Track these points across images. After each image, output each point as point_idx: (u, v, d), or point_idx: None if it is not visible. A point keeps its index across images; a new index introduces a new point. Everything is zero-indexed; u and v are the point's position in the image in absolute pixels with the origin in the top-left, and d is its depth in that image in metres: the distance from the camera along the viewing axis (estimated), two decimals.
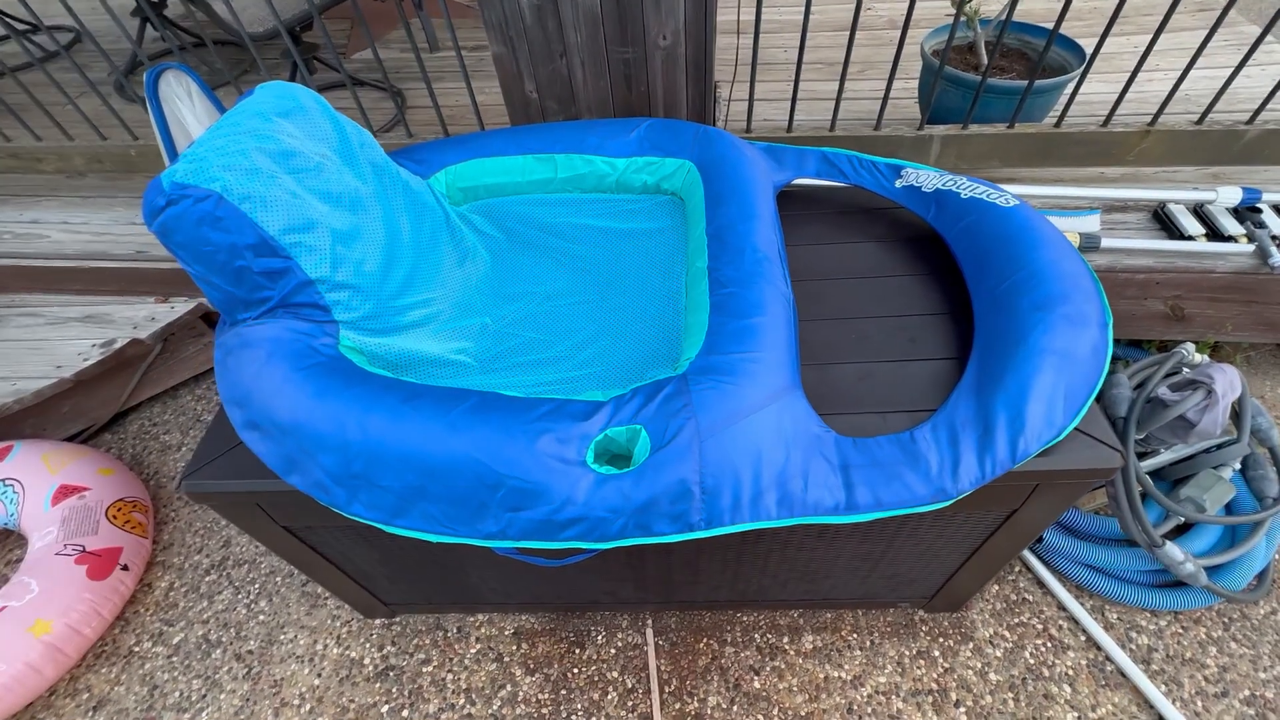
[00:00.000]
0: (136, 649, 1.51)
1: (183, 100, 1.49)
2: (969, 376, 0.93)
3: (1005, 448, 0.84)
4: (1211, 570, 1.36)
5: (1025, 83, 1.44)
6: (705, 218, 1.11)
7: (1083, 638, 1.39)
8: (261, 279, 0.89)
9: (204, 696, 1.42)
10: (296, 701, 1.40)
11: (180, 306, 1.89)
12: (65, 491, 1.57)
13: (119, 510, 1.60)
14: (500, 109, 1.54)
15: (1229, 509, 1.41)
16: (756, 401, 0.84)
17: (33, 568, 1.44)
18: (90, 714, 1.42)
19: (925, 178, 1.20)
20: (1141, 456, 1.43)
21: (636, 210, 1.30)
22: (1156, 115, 1.51)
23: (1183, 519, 1.37)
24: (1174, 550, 1.31)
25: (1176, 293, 1.55)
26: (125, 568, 1.53)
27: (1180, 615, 1.40)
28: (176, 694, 1.43)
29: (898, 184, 1.23)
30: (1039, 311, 0.92)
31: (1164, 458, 1.44)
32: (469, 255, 1.24)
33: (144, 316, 1.88)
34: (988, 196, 1.10)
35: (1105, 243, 1.52)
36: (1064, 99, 1.59)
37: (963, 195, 1.13)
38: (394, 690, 1.40)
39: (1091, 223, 1.58)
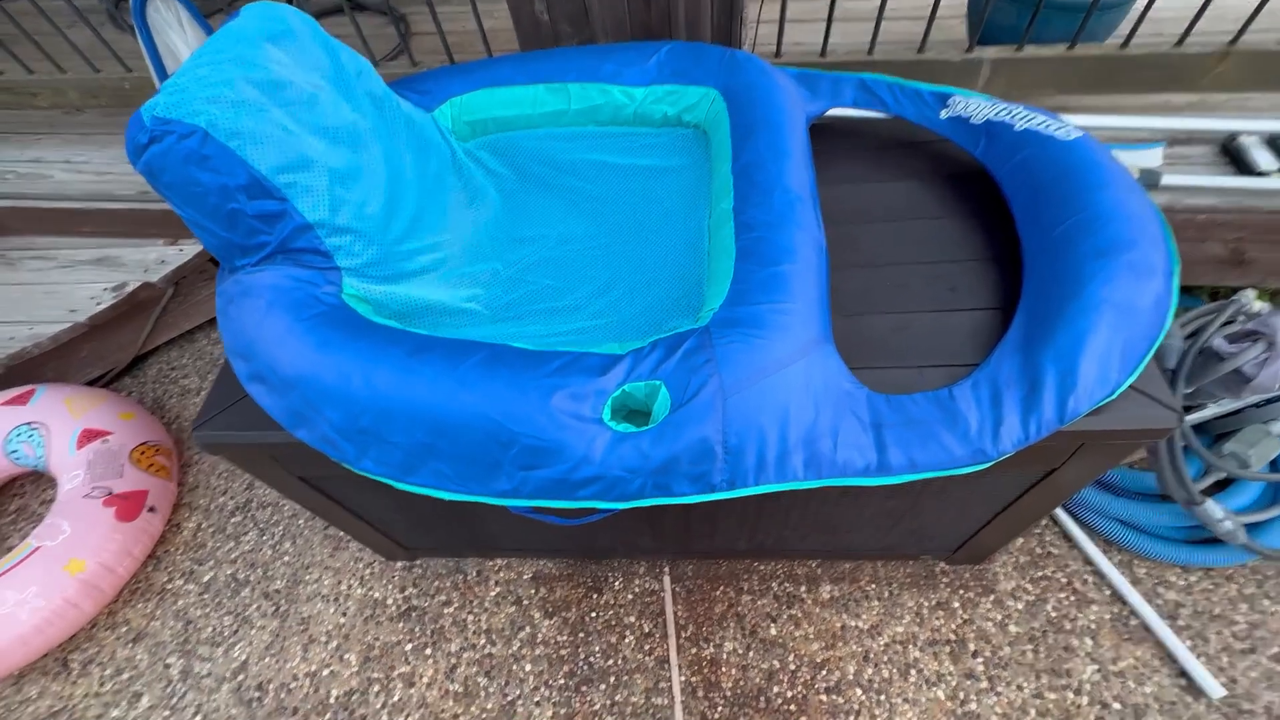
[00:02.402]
0: (169, 586, 1.56)
1: (174, 28, 1.39)
2: (1016, 330, 0.86)
3: (1053, 407, 0.79)
4: (1250, 528, 1.31)
5: None
6: (731, 154, 1.02)
7: (1107, 592, 1.36)
8: (257, 223, 0.83)
9: (235, 632, 1.47)
10: (324, 639, 1.44)
11: (189, 249, 1.85)
12: (89, 435, 1.59)
13: (142, 454, 1.61)
14: (509, 34, 1.42)
15: (1274, 465, 1.35)
16: (785, 356, 0.78)
17: (63, 509, 1.47)
18: (130, 646, 1.48)
19: (975, 107, 1.09)
20: (1187, 410, 1.36)
21: (656, 145, 1.20)
22: (1239, 33, 1.34)
23: (1223, 474, 1.31)
24: (1214, 507, 1.26)
25: (1239, 234, 1.43)
26: (152, 509, 1.56)
27: (1211, 571, 1.36)
28: (209, 629, 1.48)
29: (943, 114, 1.12)
30: (1100, 259, 0.84)
31: (1210, 411, 1.36)
32: (478, 196, 1.17)
33: (154, 259, 1.85)
34: (1045, 127, 0.99)
35: (1165, 179, 1.40)
36: (1131, 17, 1.42)
37: (1017, 127, 1.02)
38: (416, 630, 1.44)
39: (1153, 157, 1.45)
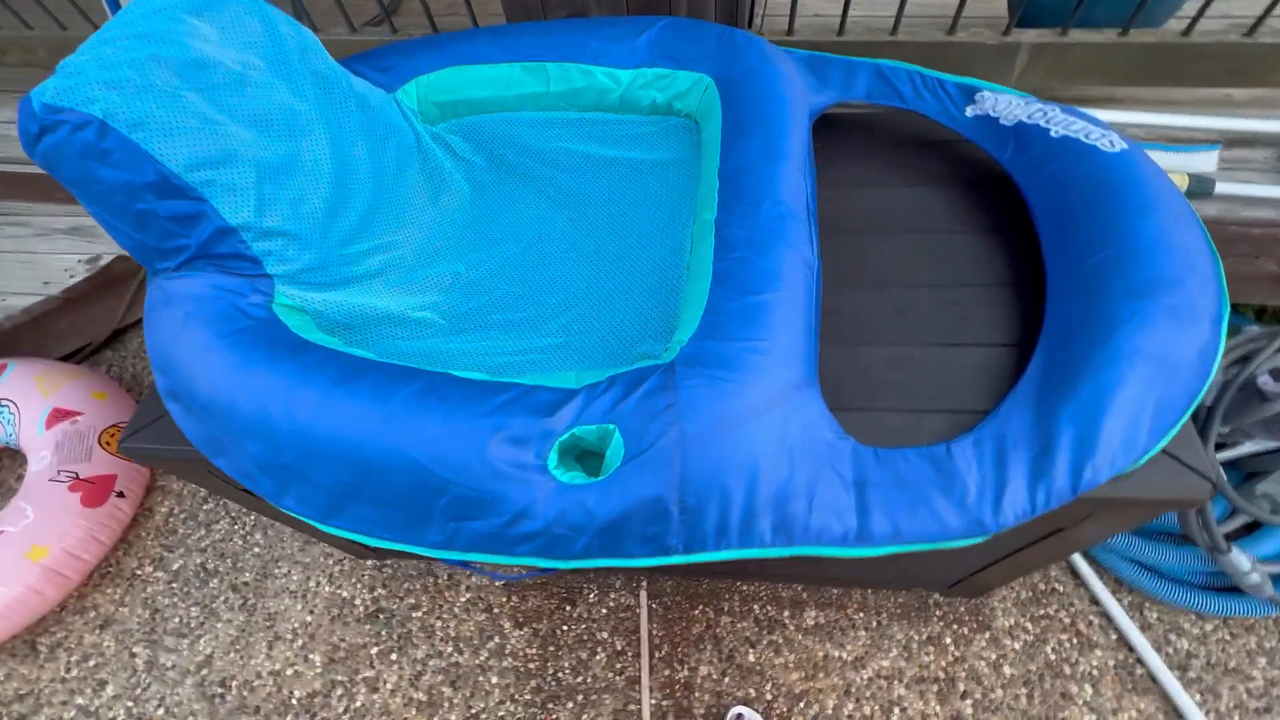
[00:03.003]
0: (139, 572, 1.53)
1: None
2: (1031, 375, 0.75)
3: (1066, 474, 0.68)
4: (1278, 579, 1.20)
5: None
6: (720, 153, 0.90)
7: (1114, 636, 1.27)
8: (171, 225, 0.74)
9: (202, 624, 1.44)
10: (289, 636, 1.41)
11: None
12: (58, 415, 1.54)
13: (113, 436, 1.57)
14: (493, 2, 1.29)
15: None
16: (758, 403, 0.68)
17: (29, 493, 1.43)
18: (98, 632, 1.46)
19: (1005, 105, 0.95)
20: (1219, 447, 1.24)
21: (643, 136, 1.08)
22: None
23: (1253, 519, 1.20)
24: (1240, 558, 1.15)
25: None
26: (121, 494, 1.52)
27: (1230, 621, 1.26)
28: (176, 619, 1.45)
29: (969, 111, 0.98)
30: (1136, 299, 0.72)
31: (1245, 449, 1.24)
32: (445, 185, 1.06)
33: None
34: (1086, 136, 0.86)
35: (1220, 187, 1.24)
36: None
37: (1053, 133, 0.88)
38: (383, 633, 1.39)
39: (1207, 160, 1.29)
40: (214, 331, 0.74)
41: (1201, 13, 1.15)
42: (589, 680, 1.31)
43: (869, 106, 1.05)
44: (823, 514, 0.68)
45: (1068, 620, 1.29)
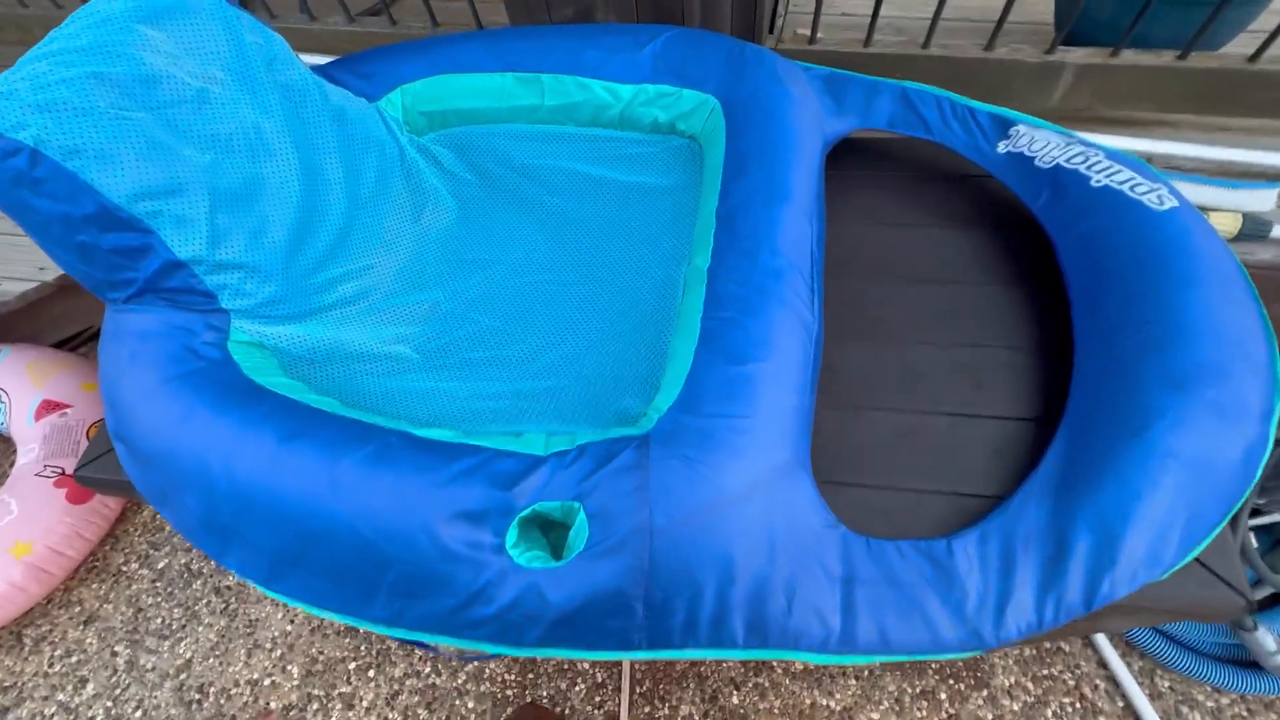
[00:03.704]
0: (125, 569, 1.52)
1: None
2: (1049, 465, 0.67)
3: (1080, 586, 0.61)
4: None
5: None
6: (720, 189, 0.82)
7: (1120, 704, 1.20)
8: (115, 258, 0.69)
9: (184, 627, 1.43)
10: (269, 645, 1.39)
11: None
12: (47, 407, 1.52)
13: (102, 429, 1.55)
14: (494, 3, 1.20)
15: None
16: (737, 489, 0.62)
17: (14, 486, 1.42)
18: (82, 628, 1.45)
19: (1043, 144, 0.85)
20: (1252, 513, 1.15)
21: (642, 157, 1.00)
22: None
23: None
24: (1266, 638, 1.07)
25: None
26: None
27: (1248, 697, 1.18)
28: (159, 620, 1.44)
29: (1001, 147, 0.89)
30: (1175, 391, 0.63)
31: (1277, 517, 1.15)
32: (429, 202, 1.00)
33: None
34: (1132, 188, 0.76)
35: (1278, 231, 1.13)
36: (1261, 26, 1.12)
37: (1094, 181, 0.79)
38: (362, 648, 1.37)
39: (1265, 199, 1.17)
40: (160, 375, 0.69)
41: (1273, 38, 1.03)
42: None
43: (890, 133, 0.96)
44: (803, 615, 0.62)
45: (1072, 683, 1.22)
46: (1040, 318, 0.82)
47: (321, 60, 1.35)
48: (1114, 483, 0.62)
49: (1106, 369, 0.69)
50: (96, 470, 0.83)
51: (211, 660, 1.38)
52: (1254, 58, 1.06)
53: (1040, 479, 0.66)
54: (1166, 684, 1.20)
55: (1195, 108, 1.13)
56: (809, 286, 0.74)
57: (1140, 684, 1.20)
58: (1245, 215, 1.14)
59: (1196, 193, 1.17)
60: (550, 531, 0.67)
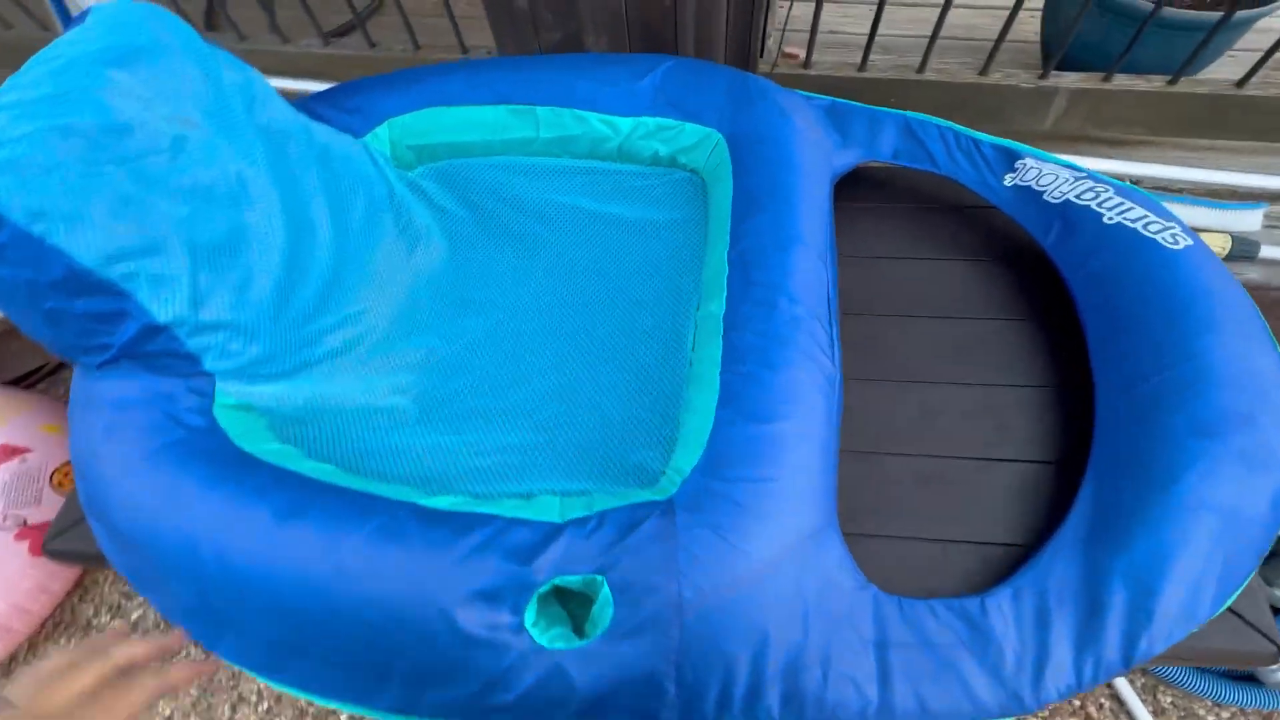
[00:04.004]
0: (95, 621, 1.44)
1: None
2: (1078, 516, 0.66)
3: (1117, 647, 0.59)
4: None
5: (1218, 14, 1.00)
6: (730, 231, 0.79)
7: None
8: (88, 323, 0.63)
9: None
10: (254, 699, 1.32)
11: None
12: (6, 452, 1.43)
13: (66, 475, 1.46)
14: (478, 21, 1.15)
15: None
16: (769, 556, 0.59)
17: None
18: None
19: (1051, 178, 0.85)
20: None
21: (643, 190, 0.97)
22: None
23: None
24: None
25: None
26: None
27: (1248, 711, 1.20)
28: None
29: (1008, 180, 0.88)
30: (1202, 439, 0.63)
31: None
32: (420, 240, 0.95)
33: None
34: (1145, 226, 0.76)
35: (1265, 251, 1.15)
36: (1245, 51, 1.14)
37: (1105, 218, 0.78)
38: None
39: (1251, 219, 1.19)
40: (139, 450, 0.63)
41: (1262, 63, 1.05)
42: None
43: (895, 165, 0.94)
44: (839, 685, 0.60)
45: (1078, 702, 1.23)
46: (1055, 355, 0.81)
47: (295, 85, 1.31)
48: (1147, 535, 0.61)
49: (1130, 415, 0.68)
50: (67, 542, 0.77)
51: (194, 717, 1.31)
52: (1241, 83, 1.07)
53: (1070, 530, 0.65)
54: (1169, 699, 1.22)
55: (1185, 131, 1.15)
56: (828, 333, 0.72)
57: (1144, 701, 1.21)
58: (1234, 237, 1.16)
59: (1185, 213, 1.18)
60: (570, 602, 0.63)
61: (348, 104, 0.91)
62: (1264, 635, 0.63)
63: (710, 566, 0.58)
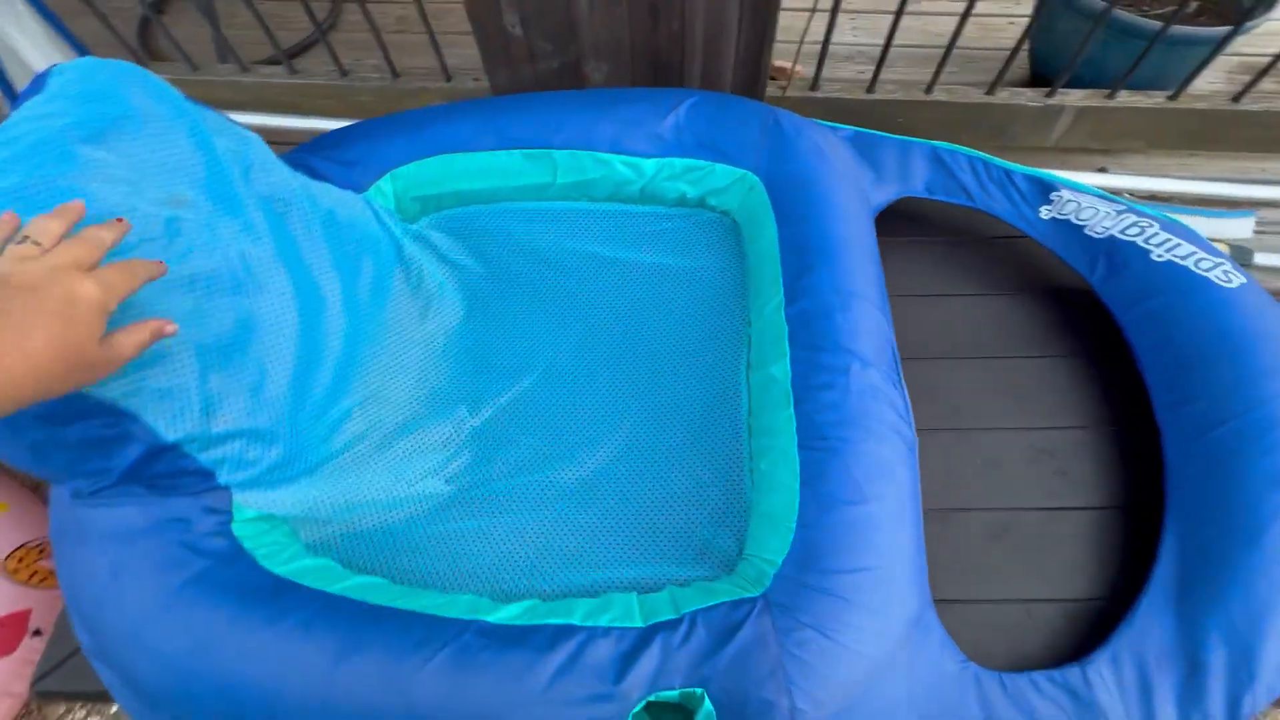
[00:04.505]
0: (68, 718, 1.30)
1: (6, 16, 1.04)
2: (1164, 570, 0.65)
3: (1221, 707, 0.59)
4: None
5: (1222, 29, 1.01)
6: (783, 288, 0.75)
7: None
8: (82, 451, 0.54)
9: None
10: None
11: None
12: None
13: (21, 560, 1.31)
14: (465, 43, 1.06)
15: None
16: (880, 655, 0.56)
17: None
18: None
19: (1091, 211, 0.84)
20: None
21: (669, 233, 0.92)
22: None
23: None
24: None
25: None
26: (37, 632, 1.27)
27: None
28: None
29: (1044, 213, 0.87)
30: None
31: None
32: (434, 301, 0.87)
33: None
34: (1197, 264, 0.75)
35: (1259, 258, 1.19)
36: (1242, 66, 1.17)
37: (1154, 255, 0.78)
38: None
39: (1243, 227, 1.23)
40: (158, 591, 0.55)
41: (1255, 82, 1.07)
42: None
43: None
44: None
45: None
46: (1107, 393, 0.80)
47: (258, 119, 1.19)
48: (1240, 591, 0.60)
49: (1203, 462, 0.67)
50: (62, 681, 0.67)
51: None
52: (1237, 98, 1.10)
53: (1158, 586, 0.64)
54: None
55: (1184, 144, 1.17)
56: (901, 395, 0.69)
57: None
58: (1231, 245, 1.19)
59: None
60: (663, 714, 0.58)
61: (346, 155, 0.82)
62: None
63: (823, 675, 0.54)
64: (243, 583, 0.57)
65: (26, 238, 0.41)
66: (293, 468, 0.66)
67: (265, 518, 0.64)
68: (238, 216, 0.64)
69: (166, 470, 0.57)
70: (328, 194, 0.76)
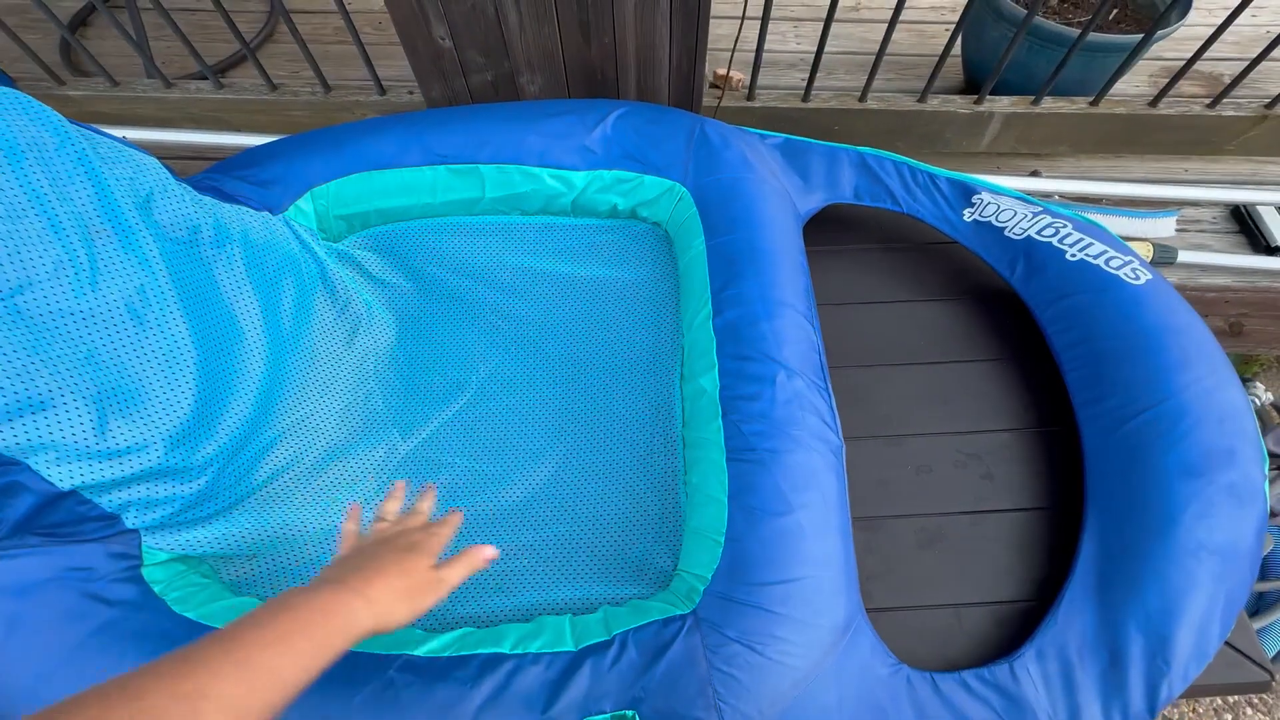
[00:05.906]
0: None
1: None
2: (1085, 567, 0.66)
3: (1141, 693, 0.60)
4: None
5: (1137, 37, 1.05)
6: (710, 298, 0.75)
7: None
8: None
9: None
10: None
11: None
12: None
13: None
14: (404, 55, 1.04)
15: (1264, 567, 1.27)
16: (807, 665, 0.56)
17: None
18: None
19: (1009, 212, 0.86)
20: None
21: (603, 246, 0.92)
22: None
23: None
24: None
25: (1243, 310, 1.30)
26: None
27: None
28: None
29: (967, 215, 0.89)
30: (1192, 479, 0.65)
31: None
32: (363, 322, 0.85)
33: None
34: (1107, 262, 0.78)
35: (1182, 255, 1.23)
36: (1156, 71, 1.22)
37: (1068, 255, 0.80)
38: None
39: (1166, 226, 1.28)
40: (60, 646, 0.52)
41: (1170, 86, 1.11)
42: None
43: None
44: None
45: None
46: (1031, 395, 0.82)
47: (184, 137, 1.15)
48: (1155, 582, 0.62)
49: (1118, 456, 0.69)
50: None
51: None
52: (1154, 102, 1.14)
53: (1079, 582, 0.66)
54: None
55: (1106, 148, 1.21)
56: (827, 401, 0.69)
57: None
58: (1156, 245, 1.23)
59: (1106, 223, 1.26)
60: None
61: (261, 175, 0.80)
62: (1256, 664, 0.66)
63: (751, 688, 0.54)
64: (152, 630, 0.54)
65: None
66: (210, 504, 0.64)
67: (180, 559, 0.61)
68: (133, 250, 0.61)
69: (65, 518, 0.54)
70: (240, 217, 0.74)
